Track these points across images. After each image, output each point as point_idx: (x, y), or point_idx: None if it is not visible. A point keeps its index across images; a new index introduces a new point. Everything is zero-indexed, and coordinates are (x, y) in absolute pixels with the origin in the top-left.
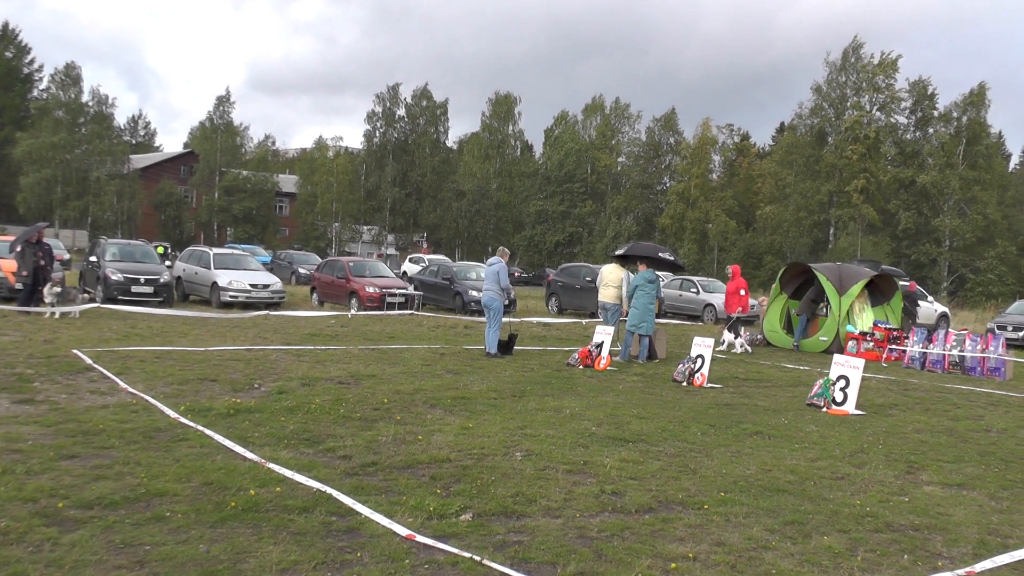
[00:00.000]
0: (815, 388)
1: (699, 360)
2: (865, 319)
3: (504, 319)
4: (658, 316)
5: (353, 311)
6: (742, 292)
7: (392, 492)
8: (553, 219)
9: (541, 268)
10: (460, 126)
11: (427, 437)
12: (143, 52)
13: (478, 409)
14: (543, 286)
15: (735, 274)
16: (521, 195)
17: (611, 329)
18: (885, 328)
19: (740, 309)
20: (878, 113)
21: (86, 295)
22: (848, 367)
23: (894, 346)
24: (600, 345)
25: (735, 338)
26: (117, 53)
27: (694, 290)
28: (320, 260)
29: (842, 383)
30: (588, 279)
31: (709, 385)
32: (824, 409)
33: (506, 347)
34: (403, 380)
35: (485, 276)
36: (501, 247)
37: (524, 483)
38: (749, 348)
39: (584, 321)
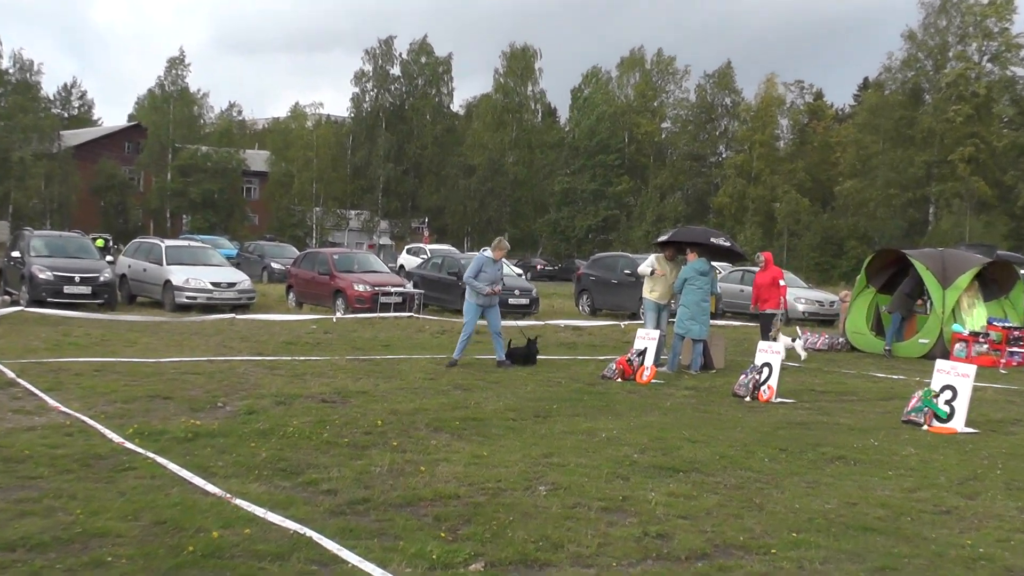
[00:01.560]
0: (913, 401)
1: (765, 370)
2: (976, 316)
3: (522, 322)
4: (714, 316)
5: (339, 314)
6: (781, 282)
7: (387, 535)
8: (583, 199)
9: (569, 259)
10: (468, 87)
11: (430, 468)
12: (82, 7)
13: (493, 433)
14: (572, 281)
15: (767, 262)
16: (543, 170)
17: (656, 333)
18: (1003, 327)
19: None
20: (989, 65)
21: (7, 297)
22: (955, 375)
23: (1015, 349)
24: (643, 353)
25: (790, 342)
26: (48, 8)
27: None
28: (298, 253)
29: (947, 395)
30: (627, 272)
31: (778, 400)
32: (925, 427)
33: (525, 356)
34: (401, 398)
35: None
36: (500, 238)
37: (549, 524)
38: (802, 353)
39: (623, 324)
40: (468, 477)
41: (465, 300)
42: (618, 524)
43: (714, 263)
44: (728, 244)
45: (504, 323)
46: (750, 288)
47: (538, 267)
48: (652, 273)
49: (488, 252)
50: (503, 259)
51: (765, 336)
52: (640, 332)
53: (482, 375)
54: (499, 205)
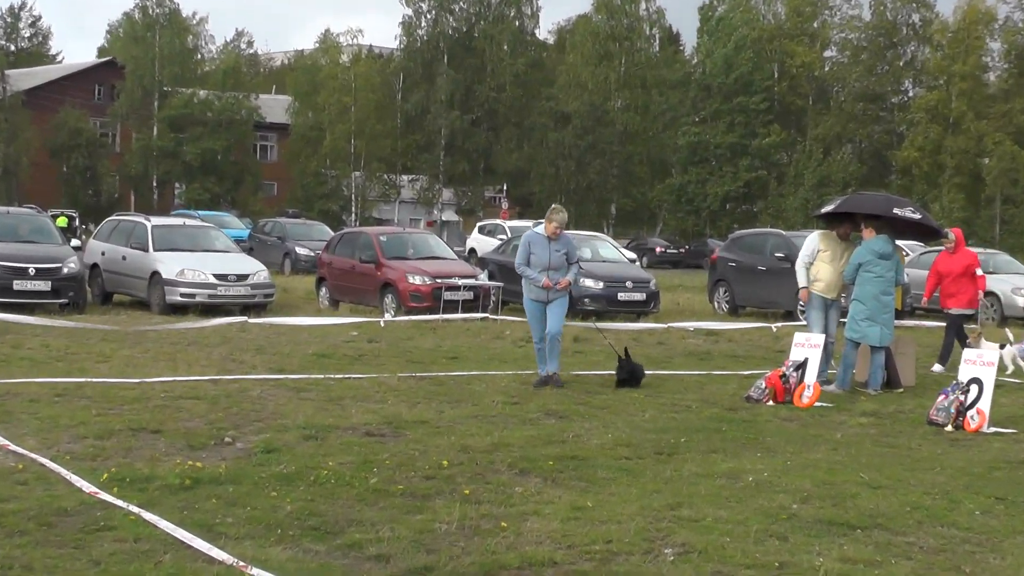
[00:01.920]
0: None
1: (973, 388)
2: None
3: (602, 324)
4: (899, 315)
5: (388, 316)
6: (979, 271)
7: None
8: (717, 157)
9: (699, 240)
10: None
11: (515, 524)
12: None
13: (599, 477)
14: (704, 269)
15: (957, 243)
16: (663, 118)
17: (820, 339)
18: None
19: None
20: None
21: None
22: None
23: None
24: (802, 366)
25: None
26: None
27: None
28: (331, 234)
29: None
30: (779, 256)
31: (993, 430)
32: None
33: (629, 376)
34: (474, 429)
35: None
36: (555, 206)
37: None
38: (1010, 365)
39: (775, 326)
40: (567, 537)
41: (524, 296)
42: None
43: (899, 242)
44: (918, 217)
45: (573, 324)
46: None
47: (658, 250)
48: (816, 259)
49: (540, 228)
50: (565, 234)
51: (953, 342)
52: (799, 337)
53: (583, 398)
54: (603, 166)
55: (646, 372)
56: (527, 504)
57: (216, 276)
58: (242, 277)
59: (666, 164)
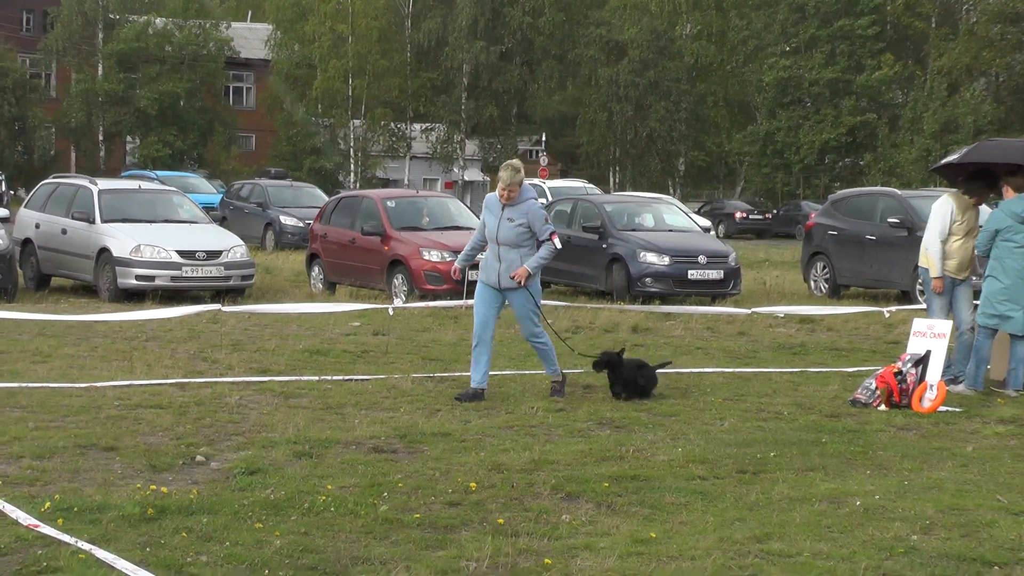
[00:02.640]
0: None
1: None
2: None
3: (680, 308)
4: None
5: (399, 301)
6: None
7: None
8: (814, 97)
9: (791, 202)
10: None
11: (563, 562)
12: None
13: (667, 502)
14: (796, 239)
15: None
16: (744, 48)
17: (946, 326)
18: None
19: None
20: None
21: None
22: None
23: None
24: (923, 361)
25: None
26: None
27: None
28: (326, 199)
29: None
30: (893, 222)
31: None
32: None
33: (632, 385)
34: (508, 443)
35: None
36: (510, 162)
37: None
38: None
39: (887, 311)
40: None
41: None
42: None
43: None
44: None
45: (631, 308)
46: None
47: (738, 216)
48: (949, 232)
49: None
50: (529, 200)
51: None
52: (919, 325)
53: (645, 403)
54: (668, 110)
55: (656, 377)
56: (576, 536)
57: (180, 254)
58: (213, 255)
59: (748, 107)
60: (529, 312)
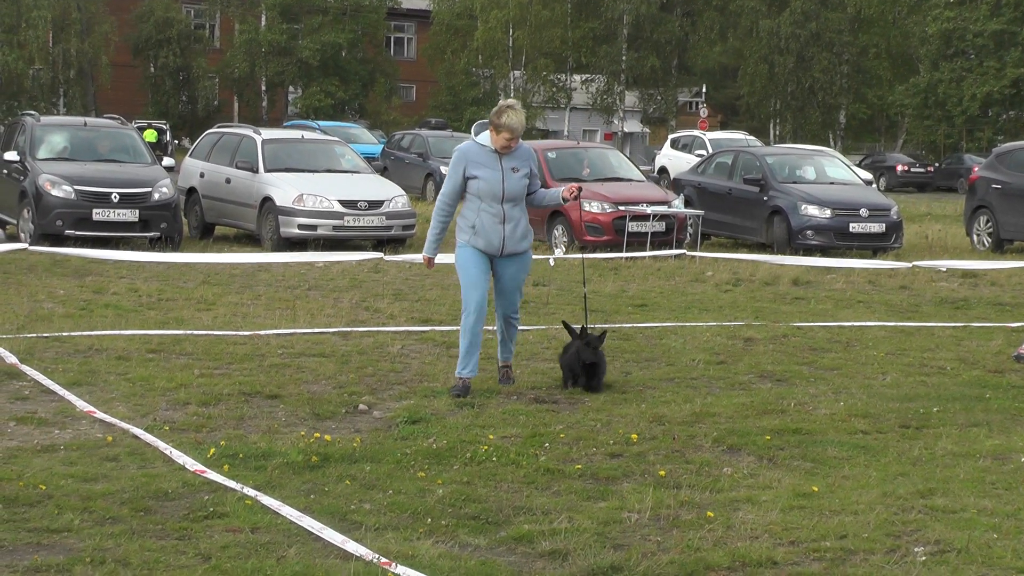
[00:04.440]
0: None
1: None
2: None
3: (841, 262)
4: None
5: (559, 252)
6: None
7: None
8: (979, 49)
9: (954, 155)
10: None
11: (724, 514)
12: None
13: (830, 456)
14: (959, 192)
15: None
16: (907, 1)
17: None
18: None
19: None
20: None
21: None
22: None
23: None
24: None
25: None
26: None
27: None
28: None
29: None
30: None
31: None
32: None
33: (589, 372)
34: (669, 395)
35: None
36: (504, 103)
37: None
38: None
39: None
40: (790, 531)
41: (457, 243)
42: None
43: None
44: None
45: (791, 262)
46: None
47: (900, 169)
48: None
49: (482, 135)
50: (524, 145)
51: None
52: None
53: (807, 356)
54: (830, 62)
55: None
56: (738, 489)
57: (342, 203)
58: (375, 204)
59: (910, 59)
60: (521, 283)
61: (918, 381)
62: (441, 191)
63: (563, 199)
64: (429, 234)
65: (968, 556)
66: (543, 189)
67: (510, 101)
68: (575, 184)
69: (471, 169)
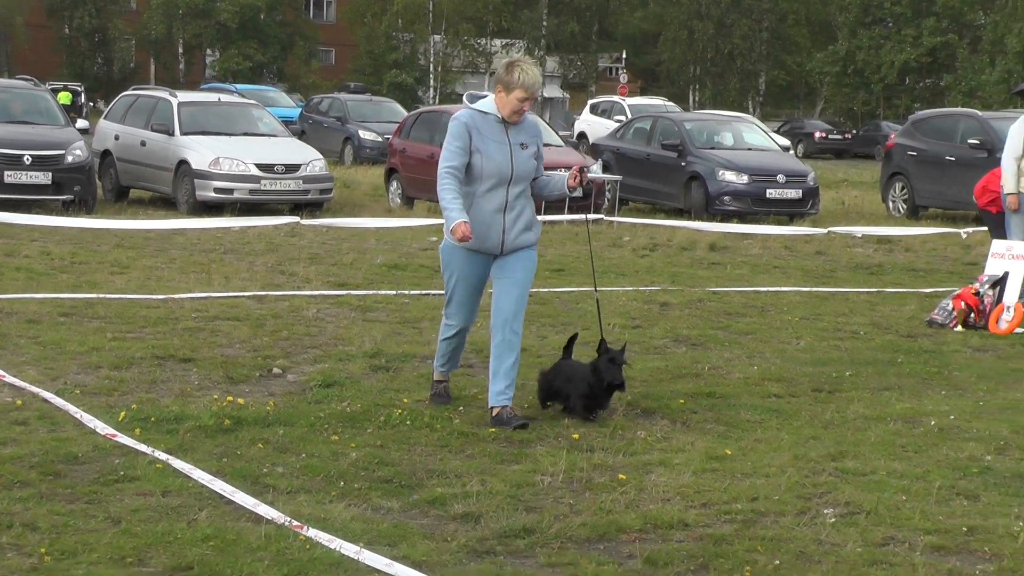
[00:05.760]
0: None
1: None
2: None
3: (758, 228)
4: None
5: None
6: None
7: None
8: (895, 17)
9: (871, 123)
10: None
11: (637, 477)
12: None
13: (743, 419)
14: (875, 159)
15: None
16: None
17: None
18: None
19: None
20: None
21: None
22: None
23: None
24: (1000, 282)
25: None
26: None
27: None
28: (405, 114)
29: None
30: (973, 143)
31: None
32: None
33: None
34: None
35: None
36: (513, 59)
37: (842, 575)
38: None
39: (965, 232)
40: (702, 493)
41: (445, 237)
42: (962, 575)
43: None
44: None
45: (709, 228)
46: None
47: (817, 135)
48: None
49: (482, 102)
50: (528, 117)
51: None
52: (997, 246)
53: (722, 320)
54: (750, 28)
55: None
56: (651, 453)
57: (259, 167)
58: (292, 168)
59: (829, 26)
60: (525, 286)
61: (832, 345)
62: (443, 164)
63: (569, 189)
64: (448, 204)
65: (877, 518)
66: (545, 176)
67: (516, 56)
68: (577, 167)
69: (475, 141)
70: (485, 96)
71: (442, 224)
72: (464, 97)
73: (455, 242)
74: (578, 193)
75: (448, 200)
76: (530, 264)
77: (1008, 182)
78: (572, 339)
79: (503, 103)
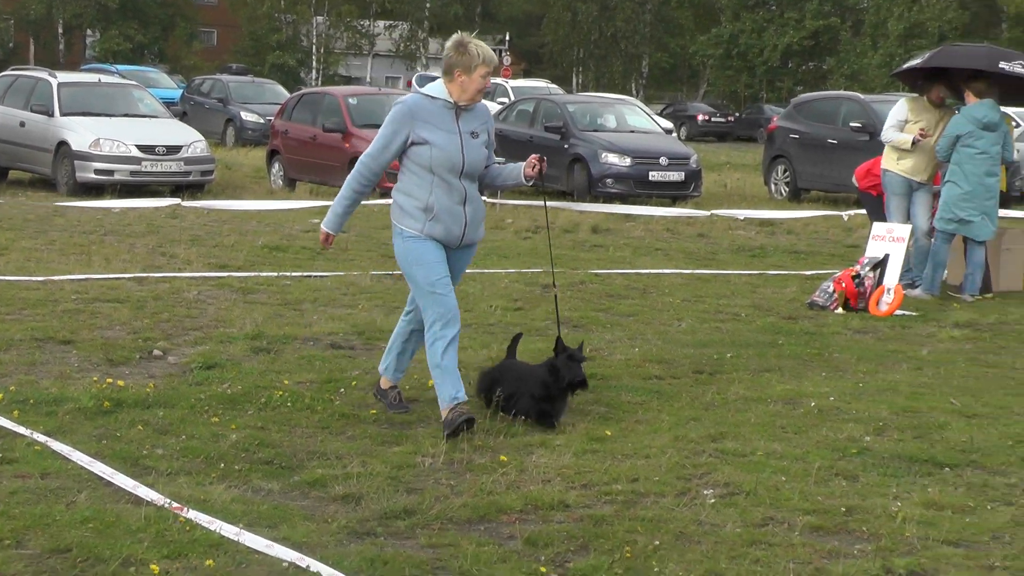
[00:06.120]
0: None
1: None
2: None
3: (641, 209)
4: (1005, 201)
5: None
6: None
7: (446, 573)
8: (778, 1)
9: (753, 105)
10: None
11: (518, 458)
12: None
13: (624, 401)
14: (758, 142)
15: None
16: None
17: (905, 230)
18: None
19: None
20: None
21: None
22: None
23: None
24: (880, 265)
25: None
26: None
27: None
28: (287, 95)
29: None
30: (855, 126)
31: None
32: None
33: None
34: (466, 341)
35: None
36: (461, 35)
37: (721, 554)
38: None
39: (846, 214)
40: (582, 474)
41: (398, 232)
42: (840, 555)
43: (1008, 110)
44: None
45: (592, 208)
46: None
47: (700, 118)
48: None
49: (431, 87)
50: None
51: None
52: (877, 229)
53: (604, 302)
54: (633, 11)
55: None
56: (532, 434)
57: (140, 148)
58: (173, 149)
59: (712, 9)
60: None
61: (713, 327)
62: (368, 151)
63: (525, 179)
64: (337, 204)
65: (756, 498)
66: (497, 164)
67: (458, 35)
68: (536, 156)
69: (420, 131)
70: (436, 78)
71: (323, 206)
72: (414, 80)
73: (439, 232)
74: (534, 184)
75: (341, 197)
76: (470, 259)
77: (889, 137)
78: (516, 338)
79: (464, 86)
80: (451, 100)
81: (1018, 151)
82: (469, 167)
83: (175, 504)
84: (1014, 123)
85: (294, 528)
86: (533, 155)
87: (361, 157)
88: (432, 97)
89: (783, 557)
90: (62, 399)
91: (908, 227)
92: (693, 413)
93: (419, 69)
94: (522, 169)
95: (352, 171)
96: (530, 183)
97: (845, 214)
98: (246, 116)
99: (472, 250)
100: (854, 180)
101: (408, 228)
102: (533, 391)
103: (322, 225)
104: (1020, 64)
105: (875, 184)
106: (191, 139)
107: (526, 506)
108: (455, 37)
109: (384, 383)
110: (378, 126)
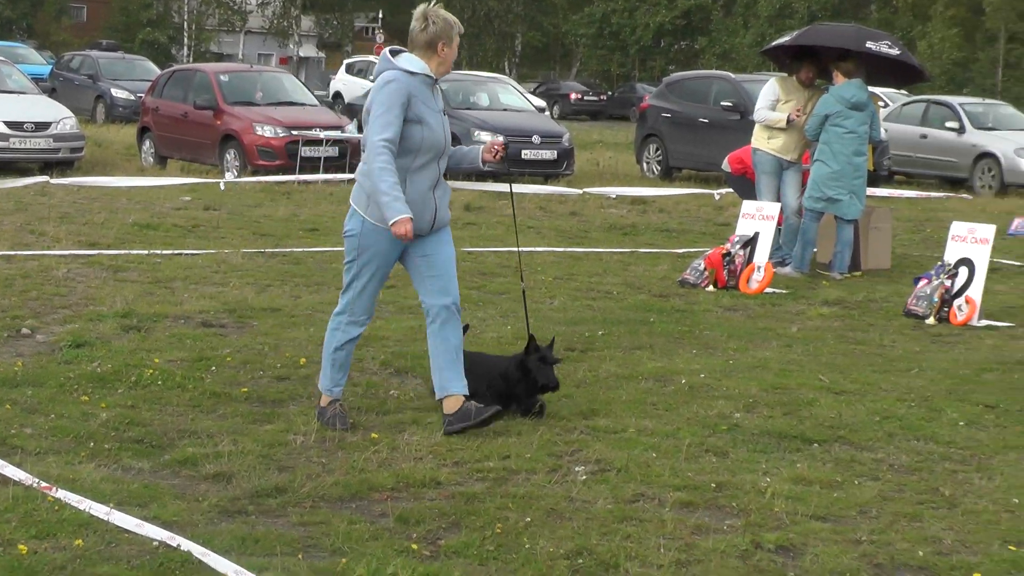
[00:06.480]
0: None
1: (962, 272)
2: None
3: (514, 187)
4: (873, 179)
5: (230, 176)
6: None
7: (318, 550)
8: None
9: (626, 85)
10: None
11: (390, 436)
12: None
13: None
14: (630, 120)
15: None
16: None
17: (774, 209)
18: None
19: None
20: None
21: None
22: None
23: None
24: (750, 243)
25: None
26: None
27: (954, 125)
28: (158, 72)
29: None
30: (726, 105)
31: (985, 323)
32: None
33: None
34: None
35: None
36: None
37: (592, 531)
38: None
39: (717, 193)
40: (454, 452)
41: (360, 222)
42: (710, 530)
43: (875, 89)
44: (896, 52)
45: (463, 187)
46: (943, 132)
47: (573, 97)
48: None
49: (408, 62)
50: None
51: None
52: (747, 207)
53: (477, 280)
54: None
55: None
56: (404, 412)
57: (8, 124)
58: (42, 126)
59: None
60: (454, 258)
61: (585, 305)
62: (377, 136)
63: (483, 163)
64: (392, 189)
65: (627, 475)
66: (456, 146)
67: (423, 7)
68: (497, 141)
69: (416, 109)
70: (403, 52)
71: (195, 184)
72: (387, 52)
73: (380, 224)
74: (491, 168)
75: (389, 185)
76: (450, 238)
77: (763, 116)
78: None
79: (445, 58)
80: (431, 75)
81: (885, 130)
82: (448, 146)
83: (44, 484)
84: (881, 103)
85: (164, 507)
86: (494, 139)
87: (377, 141)
88: (413, 73)
89: (654, 533)
90: None
91: (778, 206)
92: (564, 390)
93: (291, 46)
94: (480, 153)
95: (376, 162)
96: (486, 167)
97: (716, 193)
98: (116, 93)
99: (446, 232)
100: (725, 165)
101: (371, 217)
102: (498, 388)
103: (395, 219)
104: (886, 44)
105: (747, 170)
106: (60, 115)
107: (398, 484)
108: (423, 8)
109: (331, 397)
110: (249, 103)
